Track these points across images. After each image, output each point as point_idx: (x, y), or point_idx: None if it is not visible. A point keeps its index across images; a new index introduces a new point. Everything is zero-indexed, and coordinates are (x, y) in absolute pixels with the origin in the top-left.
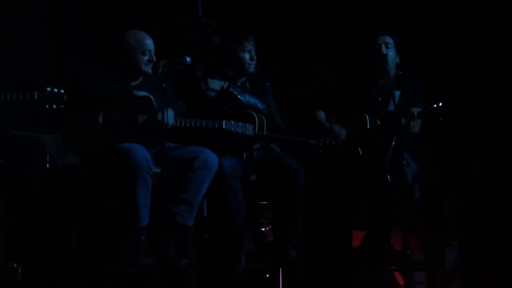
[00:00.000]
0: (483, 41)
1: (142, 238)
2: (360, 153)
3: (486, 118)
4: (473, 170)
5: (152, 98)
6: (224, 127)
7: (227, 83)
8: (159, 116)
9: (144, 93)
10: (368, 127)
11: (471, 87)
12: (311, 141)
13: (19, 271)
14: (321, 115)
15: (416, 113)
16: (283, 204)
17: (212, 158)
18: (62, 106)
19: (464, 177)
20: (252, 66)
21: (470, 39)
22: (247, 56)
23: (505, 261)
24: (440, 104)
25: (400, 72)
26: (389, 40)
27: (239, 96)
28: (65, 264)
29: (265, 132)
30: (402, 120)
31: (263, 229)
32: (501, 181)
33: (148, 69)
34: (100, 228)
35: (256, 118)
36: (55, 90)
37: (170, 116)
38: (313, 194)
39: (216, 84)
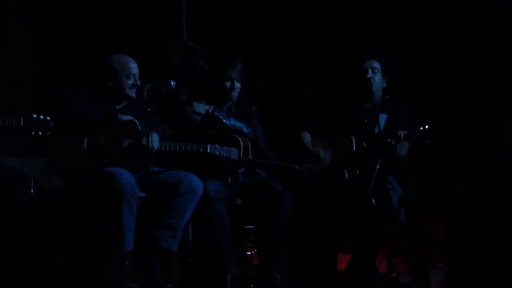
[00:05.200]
0: (466, 62)
1: (127, 262)
2: (347, 177)
3: (469, 139)
4: (457, 192)
5: (137, 122)
6: (209, 151)
7: (212, 107)
8: (144, 141)
9: (128, 117)
10: (354, 149)
11: (454, 109)
12: (296, 166)
13: None
14: (307, 137)
15: (402, 135)
16: (269, 228)
17: (197, 183)
18: (48, 133)
19: (449, 199)
20: (234, 94)
21: (454, 61)
22: (228, 84)
23: (490, 283)
24: (427, 126)
25: (387, 96)
26: (376, 64)
27: (224, 120)
28: None
29: (250, 156)
30: (388, 140)
31: (249, 253)
32: (486, 202)
33: (132, 93)
34: (85, 252)
35: (241, 143)
36: (41, 117)
37: (155, 140)
38: (299, 217)
39: (201, 107)
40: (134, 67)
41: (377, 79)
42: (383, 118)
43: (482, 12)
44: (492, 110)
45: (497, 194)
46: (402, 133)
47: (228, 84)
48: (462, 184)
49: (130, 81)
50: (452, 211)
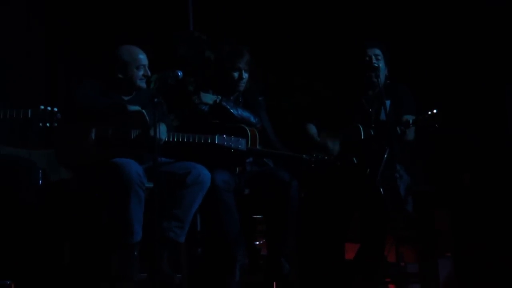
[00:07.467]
0: (473, 52)
1: (135, 253)
2: (355, 161)
3: (477, 129)
4: (465, 181)
5: (145, 113)
6: (216, 141)
7: (219, 97)
8: (152, 131)
9: (136, 108)
10: (362, 137)
11: (461, 99)
12: (304, 156)
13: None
14: (312, 129)
15: (411, 120)
16: (277, 217)
17: (205, 174)
18: (56, 125)
19: (456, 189)
20: (242, 85)
21: (460, 50)
22: (236, 74)
23: (498, 272)
24: (435, 110)
25: (388, 81)
26: (378, 52)
27: (231, 110)
28: (58, 280)
29: (258, 146)
30: (398, 128)
31: (257, 243)
32: (493, 192)
33: (143, 84)
34: (93, 243)
35: (249, 132)
36: (49, 108)
37: (162, 131)
38: (306, 207)
39: (208, 98)
40: (143, 58)
41: (381, 66)
42: (387, 104)
43: None
44: (499, 100)
45: (505, 184)
46: (410, 118)
47: (236, 74)
48: (469, 173)
49: (141, 72)
50: (459, 200)
